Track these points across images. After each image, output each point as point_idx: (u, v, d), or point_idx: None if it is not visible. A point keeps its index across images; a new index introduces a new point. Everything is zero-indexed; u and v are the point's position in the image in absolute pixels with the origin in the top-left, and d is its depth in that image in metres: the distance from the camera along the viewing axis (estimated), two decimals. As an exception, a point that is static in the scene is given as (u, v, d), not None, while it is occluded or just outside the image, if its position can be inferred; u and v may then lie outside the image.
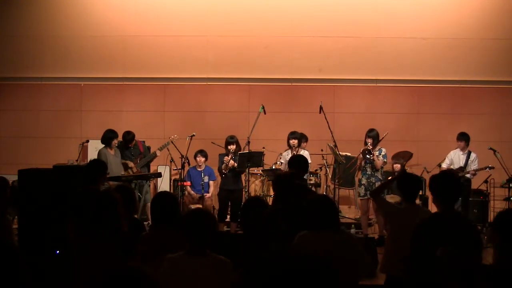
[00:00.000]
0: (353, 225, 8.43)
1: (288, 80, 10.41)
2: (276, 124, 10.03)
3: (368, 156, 8.04)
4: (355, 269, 3.82)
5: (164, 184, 9.44)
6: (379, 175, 8.07)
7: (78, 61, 10.48)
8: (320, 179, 9.26)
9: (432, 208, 5.90)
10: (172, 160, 8.81)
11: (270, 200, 8.10)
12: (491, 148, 8.82)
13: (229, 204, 8.34)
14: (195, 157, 9.18)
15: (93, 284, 2.18)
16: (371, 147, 8.04)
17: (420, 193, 9.13)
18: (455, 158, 8.89)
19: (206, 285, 3.27)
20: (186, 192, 9.05)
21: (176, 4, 10.41)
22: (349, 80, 10.33)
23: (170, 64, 10.42)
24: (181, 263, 3.32)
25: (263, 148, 8.98)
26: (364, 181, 8.13)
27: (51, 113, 10.52)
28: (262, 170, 8.91)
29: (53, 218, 5.40)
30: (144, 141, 9.06)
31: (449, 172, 4.67)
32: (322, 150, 9.21)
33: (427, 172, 9.08)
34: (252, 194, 8.70)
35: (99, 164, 5.98)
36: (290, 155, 8.42)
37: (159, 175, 8.73)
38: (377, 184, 7.99)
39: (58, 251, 4.81)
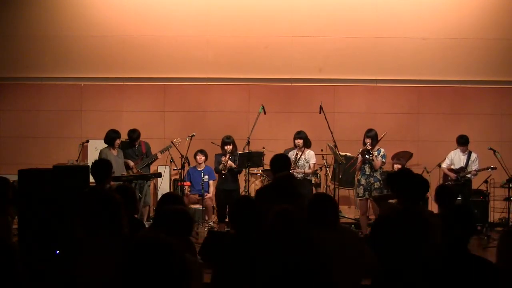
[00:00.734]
0: (352, 225, 8.44)
1: (288, 80, 10.41)
2: (276, 124, 10.03)
3: (368, 156, 8.04)
4: (357, 268, 3.82)
5: (164, 184, 9.44)
6: (378, 175, 8.06)
7: (78, 61, 10.48)
8: (320, 179, 9.26)
9: (432, 208, 5.89)
10: (172, 160, 8.82)
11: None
12: (491, 148, 8.82)
13: (227, 204, 8.34)
14: (195, 156, 9.19)
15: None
16: (370, 147, 8.04)
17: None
18: (455, 158, 8.89)
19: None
20: (186, 192, 9.06)
21: (176, 4, 10.41)
22: (349, 80, 10.33)
23: (170, 64, 10.42)
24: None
25: (263, 148, 8.98)
26: (363, 181, 8.13)
27: (51, 113, 10.52)
28: (262, 170, 8.92)
29: (53, 218, 5.40)
30: (147, 143, 9.05)
31: (406, 170, 4.77)
32: (322, 150, 9.21)
33: (427, 172, 9.09)
34: (253, 194, 8.70)
35: (106, 163, 5.98)
36: (294, 155, 8.43)
37: (159, 175, 8.74)
38: (376, 184, 7.99)
39: (58, 251, 4.80)
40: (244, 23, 10.36)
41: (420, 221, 3.31)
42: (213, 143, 8.72)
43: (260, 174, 9.01)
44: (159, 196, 9.36)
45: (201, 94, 10.49)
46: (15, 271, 2.92)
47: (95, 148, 9.52)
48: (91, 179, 6.27)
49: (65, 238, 4.81)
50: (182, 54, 10.41)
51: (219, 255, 3.77)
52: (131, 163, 8.71)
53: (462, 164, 8.80)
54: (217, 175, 8.53)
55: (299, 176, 8.14)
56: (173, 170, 9.16)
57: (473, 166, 8.76)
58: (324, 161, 9.31)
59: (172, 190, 9.57)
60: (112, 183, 7.03)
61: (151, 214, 8.84)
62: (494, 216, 9.19)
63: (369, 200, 8.15)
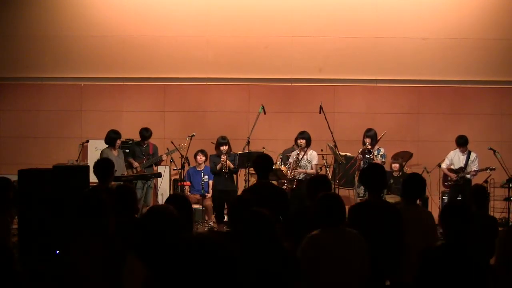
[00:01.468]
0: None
1: (288, 80, 10.40)
2: (276, 124, 10.03)
3: (368, 156, 8.04)
4: (358, 271, 3.81)
5: (164, 184, 9.45)
6: (378, 175, 8.04)
7: (78, 61, 10.48)
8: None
9: (432, 208, 5.86)
10: (172, 160, 8.83)
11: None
12: (491, 148, 8.82)
13: (225, 205, 8.34)
14: (195, 156, 9.19)
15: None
16: (370, 146, 8.04)
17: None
18: (455, 158, 8.89)
19: None
20: (186, 192, 9.06)
21: (176, 4, 10.41)
22: (349, 80, 10.33)
23: (170, 64, 10.42)
24: None
25: (263, 148, 8.98)
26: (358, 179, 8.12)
27: (51, 113, 10.52)
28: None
29: (53, 218, 5.40)
30: (155, 145, 9.05)
31: (375, 165, 5.01)
32: (322, 150, 9.21)
33: (427, 172, 9.09)
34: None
35: (108, 163, 5.99)
36: (296, 155, 8.43)
37: (159, 175, 8.74)
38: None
39: (58, 251, 4.80)
40: (244, 23, 10.36)
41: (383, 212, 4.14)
42: (213, 143, 8.72)
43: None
44: (159, 196, 9.40)
45: (201, 94, 10.49)
46: (13, 271, 2.92)
47: (95, 148, 9.53)
48: (91, 179, 6.29)
49: (65, 238, 4.81)
50: (182, 54, 10.41)
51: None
52: (135, 164, 8.70)
53: (462, 164, 8.80)
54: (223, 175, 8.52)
55: (301, 176, 8.14)
56: (173, 170, 9.17)
57: (473, 166, 8.77)
58: (324, 161, 9.31)
59: (172, 190, 9.58)
60: (112, 182, 7.05)
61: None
62: (494, 216, 9.18)
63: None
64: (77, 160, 9.04)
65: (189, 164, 8.87)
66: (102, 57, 10.47)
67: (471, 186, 8.72)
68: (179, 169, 8.70)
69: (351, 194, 9.91)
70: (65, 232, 4.83)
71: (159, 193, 9.43)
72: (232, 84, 10.45)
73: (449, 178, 8.89)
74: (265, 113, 8.86)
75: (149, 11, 10.41)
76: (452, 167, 8.89)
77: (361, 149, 8.14)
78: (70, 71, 10.47)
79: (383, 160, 8.14)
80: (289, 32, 10.28)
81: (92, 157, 9.53)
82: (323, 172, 9.36)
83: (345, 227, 3.89)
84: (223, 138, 8.48)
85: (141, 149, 8.86)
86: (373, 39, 10.24)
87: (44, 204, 5.56)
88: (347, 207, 4.15)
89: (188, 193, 9.12)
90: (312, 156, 8.37)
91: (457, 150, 8.92)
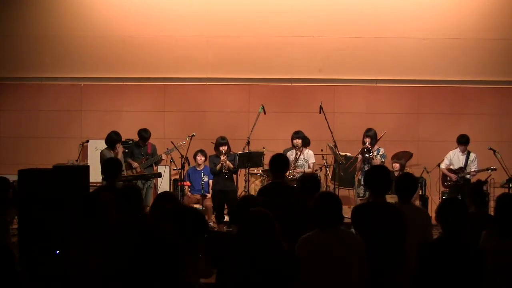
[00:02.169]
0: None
1: (288, 80, 10.41)
2: (276, 124, 10.03)
3: (368, 155, 8.04)
4: (355, 272, 3.81)
5: (164, 184, 9.44)
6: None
7: (78, 61, 10.48)
8: (320, 179, 9.24)
9: (432, 208, 5.87)
10: (172, 160, 8.83)
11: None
12: (491, 148, 8.82)
13: (225, 205, 8.35)
14: (195, 156, 9.19)
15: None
16: (369, 146, 8.04)
17: (420, 193, 9.17)
18: (454, 158, 8.89)
19: None
20: (187, 192, 9.06)
21: (176, 4, 10.41)
22: (349, 80, 10.33)
23: (170, 64, 10.42)
24: None
25: (263, 148, 8.98)
26: (363, 181, 8.13)
27: (51, 113, 10.52)
28: (262, 170, 8.91)
29: (53, 218, 5.39)
30: (154, 145, 9.04)
31: (379, 166, 5.04)
32: (322, 150, 9.21)
33: (427, 172, 9.09)
34: (253, 194, 8.69)
35: (116, 162, 6.02)
36: (294, 155, 8.44)
37: (159, 175, 8.73)
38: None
39: (58, 251, 4.80)
40: (244, 23, 10.36)
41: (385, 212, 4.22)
42: (213, 143, 8.72)
43: (260, 174, 9.00)
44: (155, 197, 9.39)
45: (201, 94, 10.49)
46: (13, 272, 2.92)
47: (95, 148, 9.53)
48: (91, 179, 6.30)
49: (65, 238, 4.81)
50: (182, 54, 10.40)
51: (221, 255, 3.77)
52: (135, 164, 8.69)
53: (461, 164, 8.80)
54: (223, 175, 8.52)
55: (299, 176, 8.14)
56: (173, 170, 9.17)
57: (472, 167, 8.77)
58: (324, 161, 9.30)
59: (172, 190, 9.57)
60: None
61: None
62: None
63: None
64: (77, 160, 9.04)
65: (189, 164, 8.87)
66: (102, 57, 10.47)
67: (470, 183, 8.76)
68: (179, 169, 8.70)
69: (351, 194, 9.91)
70: (65, 232, 4.83)
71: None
72: (232, 84, 10.45)
73: (448, 179, 8.89)
74: (265, 113, 8.87)
75: (149, 11, 10.41)
76: (451, 167, 8.89)
77: (360, 149, 8.15)
78: (70, 71, 10.47)
79: (383, 160, 8.14)
80: (289, 32, 10.28)
81: (92, 157, 9.54)
82: (323, 172, 9.37)
83: (342, 227, 3.90)
84: (223, 138, 8.49)
85: (140, 149, 8.85)
86: (373, 39, 10.23)
87: (44, 204, 5.55)
88: (346, 207, 4.16)
89: (188, 193, 9.12)
90: (308, 155, 8.40)
91: (457, 150, 8.92)
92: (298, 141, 8.38)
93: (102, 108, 10.46)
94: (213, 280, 3.80)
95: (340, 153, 8.59)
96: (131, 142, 9.29)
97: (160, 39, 10.38)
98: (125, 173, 8.45)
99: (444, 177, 9.02)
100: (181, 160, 8.60)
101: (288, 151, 8.66)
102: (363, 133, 8.26)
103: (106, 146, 8.38)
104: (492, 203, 9.03)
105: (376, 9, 10.26)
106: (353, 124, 9.96)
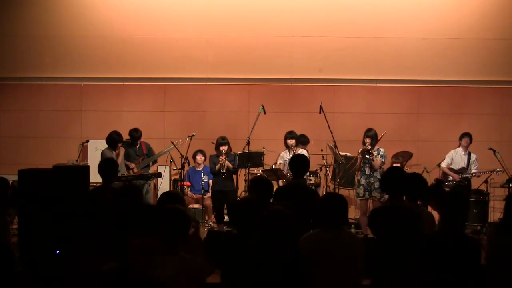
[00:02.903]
0: (352, 225, 8.43)
1: (288, 80, 10.41)
2: (276, 124, 10.02)
3: (368, 156, 8.03)
4: (359, 269, 3.82)
5: (164, 184, 9.43)
6: (377, 175, 8.06)
7: (78, 61, 10.48)
8: (320, 179, 9.25)
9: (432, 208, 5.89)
10: (172, 160, 8.82)
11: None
12: (491, 148, 8.82)
13: (225, 205, 8.34)
14: (194, 156, 9.19)
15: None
16: (369, 147, 8.04)
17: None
18: (456, 158, 8.89)
19: None
20: (187, 192, 9.06)
21: (176, 4, 10.41)
22: (349, 80, 10.33)
23: (170, 64, 10.42)
24: None
25: (263, 148, 8.98)
26: (363, 181, 8.12)
27: (51, 113, 10.52)
28: (262, 170, 8.90)
29: (53, 218, 5.39)
30: (148, 143, 9.03)
31: (395, 168, 5.06)
32: (322, 150, 9.21)
33: (427, 172, 9.08)
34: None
35: (113, 162, 6.02)
36: (288, 155, 8.45)
37: (159, 175, 8.73)
38: (376, 184, 7.98)
39: (58, 251, 4.80)
40: (244, 23, 10.36)
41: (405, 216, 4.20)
42: (213, 143, 8.73)
43: (260, 174, 9.00)
44: (159, 196, 9.38)
45: (201, 94, 10.49)
46: (13, 272, 2.92)
47: (95, 148, 9.53)
48: (91, 179, 6.29)
49: (65, 238, 4.81)
50: (182, 54, 10.40)
51: (221, 255, 3.78)
52: (132, 165, 8.68)
53: (463, 164, 8.80)
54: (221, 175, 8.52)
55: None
56: (173, 170, 9.16)
57: (473, 168, 8.77)
58: (324, 161, 9.31)
59: (172, 190, 9.56)
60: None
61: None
62: (494, 216, 9.18)
63: (369, 200, 8.15)
64: (77, 160, 9.04)
65: (189, 164, 8.87)
66: (102, 57, 10.47)
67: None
68: (179, 169, 8.70)
69: (351, 194, 9.91)
70: (65, 232, 4.83)
71: (159, 193, 9.43)
72: (232, 84, 10.45)
73: (449, 178, 8.88)
74: (265, 113, 8.87)
75: (149, 11, 10.41)
76: (452, 166, 8.89)
77: (360, 149, 8.14)
78: (70, 71, 10.47)
79: (383, 160, 8.14)
80: (289, 32, 10.28)
81: (92, 157, 9.54)
82: (323, 172, 9.38)
83: (345, 228, 3.91)
84: (223, 138, 8.49)
85: (134, 150, 8.79)
86: (373, 39, 10.24)
87: (44, 204, 5.54)
88: (351, 207, 4.13)
89: (189, 193, 9.12)
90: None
91: (458, 149, 8.92)
92: (292, 141, 8.45)
93: (102, 108, 10.46)
94: (217, 280, 3.80)
95: (340, 153, 8.59)
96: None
97: (160, 39, 10.38)
98: (125, 173, 8.45)
99: (444, 176, 9.01)
100: (181, 160, 8.60)
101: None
102: (364, 133, 8.26)
103: (106, 146, 8.38)
104: (492, 203, 9.07)
105: (376, 9, 10.27)
106: (353, 124, 9.96)
